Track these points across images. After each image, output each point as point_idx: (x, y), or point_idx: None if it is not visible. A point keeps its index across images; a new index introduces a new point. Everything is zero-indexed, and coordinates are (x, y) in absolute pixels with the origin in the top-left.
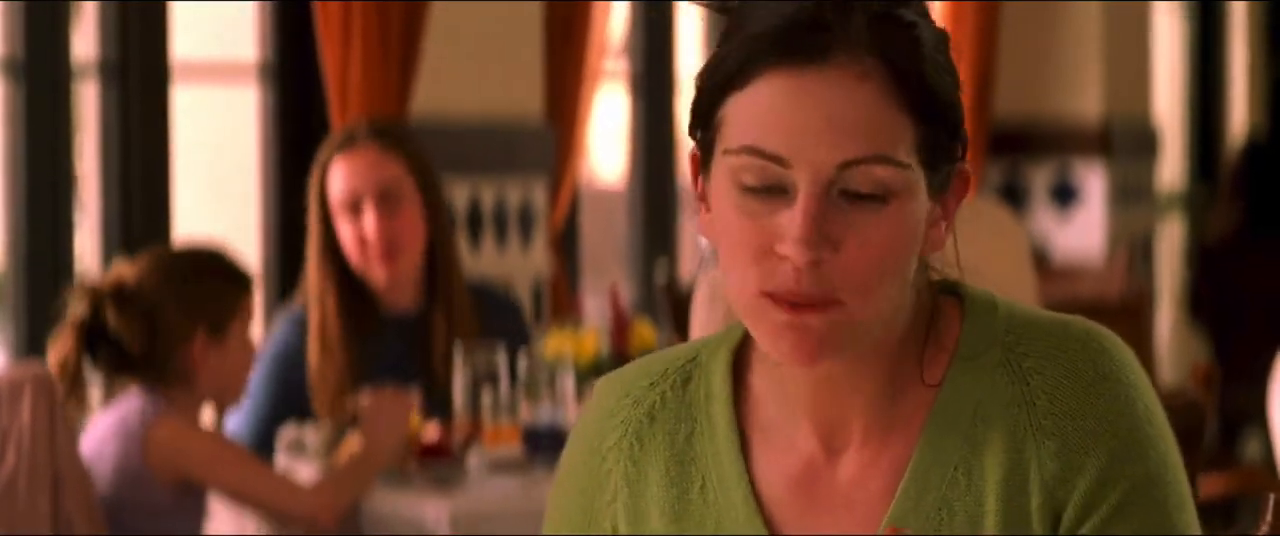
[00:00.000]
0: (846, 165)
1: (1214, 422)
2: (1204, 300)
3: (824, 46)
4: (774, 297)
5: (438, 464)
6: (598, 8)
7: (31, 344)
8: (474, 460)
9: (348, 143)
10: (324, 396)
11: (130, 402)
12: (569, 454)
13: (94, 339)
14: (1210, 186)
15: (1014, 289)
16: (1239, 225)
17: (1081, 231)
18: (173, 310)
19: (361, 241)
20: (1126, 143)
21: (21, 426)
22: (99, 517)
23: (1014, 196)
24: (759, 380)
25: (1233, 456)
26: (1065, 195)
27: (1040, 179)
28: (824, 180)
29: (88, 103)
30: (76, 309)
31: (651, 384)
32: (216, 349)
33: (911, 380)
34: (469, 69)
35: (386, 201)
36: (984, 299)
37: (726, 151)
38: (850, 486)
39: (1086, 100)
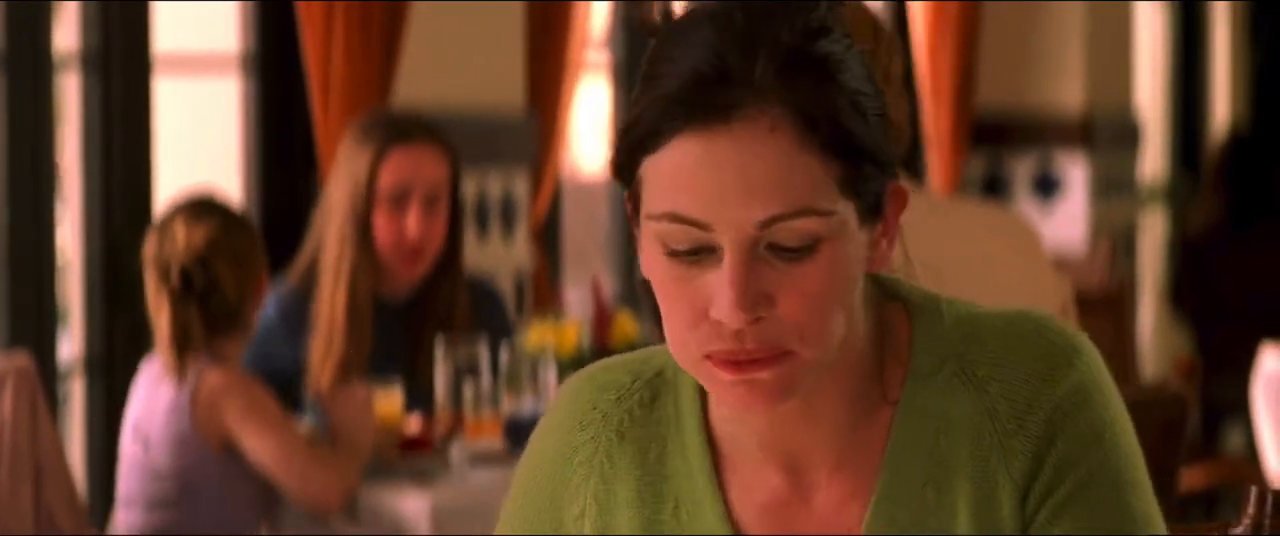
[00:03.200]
0: (768, 223)
1: (1196, 415)
2: (1186, 292)
3: (729, 103)
4: (716, 359)
5: (419, 456)
6: None
7: (13, 336)
8: (455, 452)
9: (404, 134)
10: (327, 372)
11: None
12: (538, 463)
13: (191, 303)
14: (1192, 178)
15: (1033, 293)
16: (1221, 217)
17: (1063, 223)
18: (246, 256)
19: (398, 236)
20: (1108, 134)
21: (3, 419)
22: (80, 509)
23: (996, 188)
24: (722, 406)
25: (1215, 448)
26: (1047, 187)
27: (1022, 170)
28: (747, 239)
29: (69, 95)
30: (171, 278)
31: (618, 398)
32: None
33: (873, 400)
34: (450, 60)
35: (430, 203)
36: (928, 302)
37: (649, 216)
38: (824, 510)
39: (1068, 91)
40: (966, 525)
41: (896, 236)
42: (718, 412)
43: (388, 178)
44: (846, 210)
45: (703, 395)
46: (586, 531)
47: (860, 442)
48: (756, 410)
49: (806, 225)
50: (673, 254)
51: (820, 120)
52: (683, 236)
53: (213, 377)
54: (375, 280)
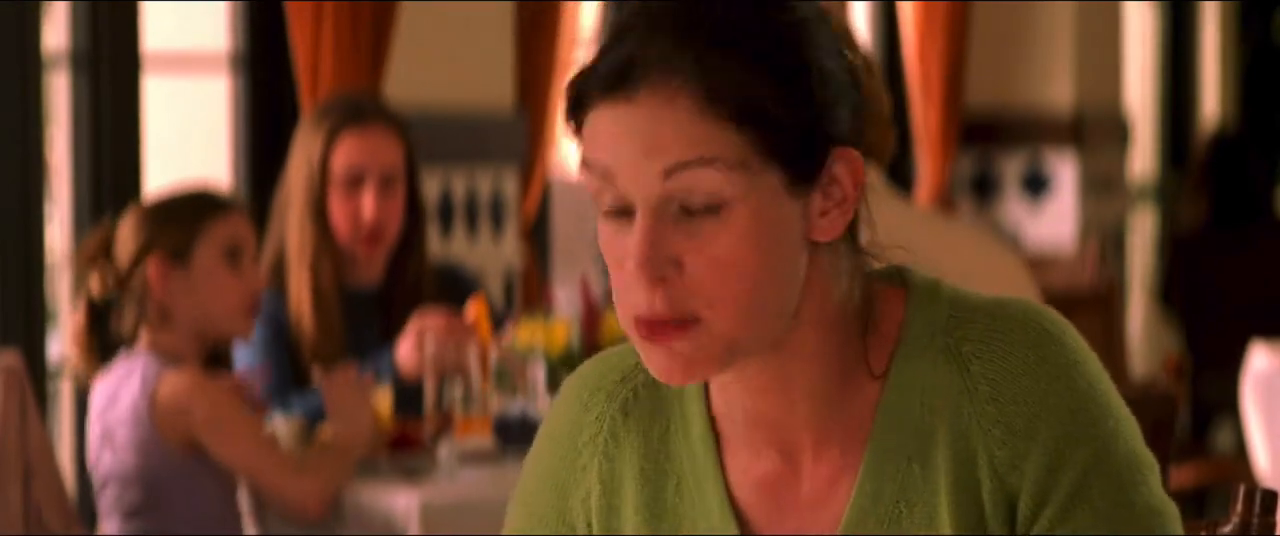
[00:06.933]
0: (670, 172)
1: (1185, 413)
2: (1175, 290)
3: (635, 79)
4: (639, 322)
5: (408, 454)
6: None
7: (2, 335)
8: (444, 451)
9: (358, 116)
10: (328, 357)
11: (134, 367)
12: (542, 449)
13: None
14: (1182, 177)
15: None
16: (1209, 216)
17: (1053, 221)
18: (127, 246)
19: (354, 219)
20: (1098, 132)
21: None
22: (70, 509)
23: (985, 186)
24: (716, 383)
25: (1204, 446)
26: (1037, 185)
27: (1011, 169)
28: (654, 195)
29: (59, 94)
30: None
31: (623, 378)
32: (180, 275)
33: (858, 374)
34: (440, 58)
35: (386, 184)
36: (928, 284)
37: (579, 168)
38: (815, 485)
39: (1058, 90)
40: (947, 500)
41: (849, 214)
42: (716, 393)
43: (341, 160)
44: (769, 177)
45: None
46: (592, 513)
47: (847, 418)
48: (675, 379)
49: (710, 180)
50: (605, 214)
51: (723, 92)
52: (602, 189)
53: (171, 379)
54: (339, 268)
